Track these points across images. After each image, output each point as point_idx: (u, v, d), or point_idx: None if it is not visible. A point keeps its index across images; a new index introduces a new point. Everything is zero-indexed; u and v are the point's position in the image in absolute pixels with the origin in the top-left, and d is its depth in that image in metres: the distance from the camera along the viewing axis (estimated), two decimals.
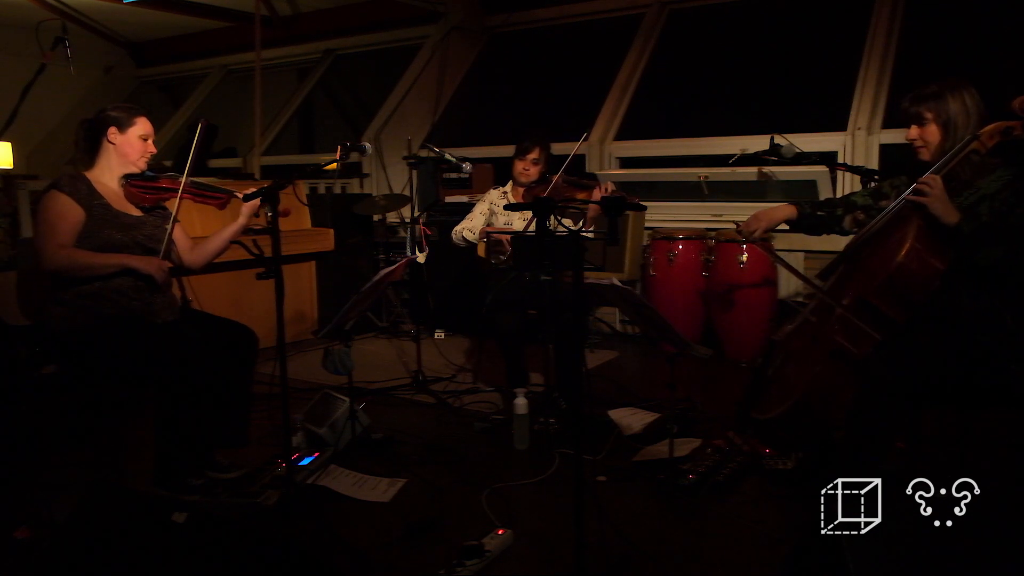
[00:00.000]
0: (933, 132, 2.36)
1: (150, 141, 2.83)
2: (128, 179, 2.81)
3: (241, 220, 2.88)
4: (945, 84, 2.35)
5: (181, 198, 2.77)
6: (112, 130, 2.76)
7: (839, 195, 4.49)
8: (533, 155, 3.62)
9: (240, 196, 2.83)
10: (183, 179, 2.77)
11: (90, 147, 2.80)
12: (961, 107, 2.32)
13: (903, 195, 2.37)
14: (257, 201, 2.76)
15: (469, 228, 3.73)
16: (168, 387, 2.57)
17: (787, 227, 2.77)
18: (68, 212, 2.66)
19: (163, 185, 2.82)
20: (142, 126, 2.79)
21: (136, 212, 2.82)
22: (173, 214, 2.80)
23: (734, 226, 4.62)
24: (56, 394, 2.87)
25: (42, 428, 3.23)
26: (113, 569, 1.85)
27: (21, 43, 5.25)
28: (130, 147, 2.78)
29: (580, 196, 3.41)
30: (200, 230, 4.19)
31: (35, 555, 2.21)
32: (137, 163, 2.80)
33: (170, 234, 2.80)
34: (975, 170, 2.31)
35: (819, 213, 2.68)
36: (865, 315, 2.36)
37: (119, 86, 8.80)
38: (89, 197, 2.71)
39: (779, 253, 3.19)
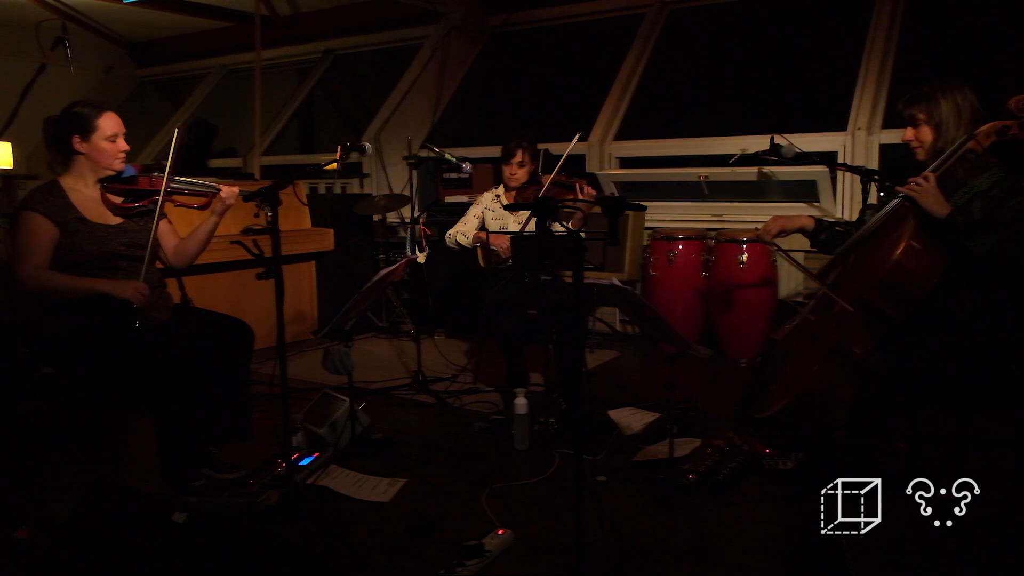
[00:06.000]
0: (926, 133, 2.40)
1: (120, 139, 2.66)
2: (105, 183, 2.67)
3: (213, 218, 2.78)
4: (938, 85, 2.38)
5: (163, 199, 2.65)
6: (76, 139, 2.60)
7: (839, 195, 4.50)
8: (518, 158, 3.60)
9: (222, 190, 2.73)
10: (164, 178, 2.64)
11: (60, 150, 2.65)
12: (952, 108, 2.35)
13: (897, 189, 2.39)
14: (233, 191, 2.67)
15: (463, 232, 3.73)
16: (164, 389, 2.55)
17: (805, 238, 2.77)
18: (41, 232, 2.55)
19: (142, 188, 2.68)
20: (107, 126, 2.62)
21: (115, 219, 2.69)
22: (156, 214, 2.65)
23: (734, 226, 4.68)
24: (56, 394, 2.86)
25: (42, 428, 3.23)
26: (113, 569, 1.85)
27: (21, 43, 5.24)
28: (99, 152, 2.63)
29: (567, 197, 3.38)
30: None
31: (35, 555, 2.21)
32: (112, 165, 2.66)
33: (153, 239, 2.65)
34: (971, 169, 2.33)
35: (837, 228, 2.69)
36: (864, 313, 2.36)
37: (119, 86, 8.79)
38: (63, 212, 2.59)
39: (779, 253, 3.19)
